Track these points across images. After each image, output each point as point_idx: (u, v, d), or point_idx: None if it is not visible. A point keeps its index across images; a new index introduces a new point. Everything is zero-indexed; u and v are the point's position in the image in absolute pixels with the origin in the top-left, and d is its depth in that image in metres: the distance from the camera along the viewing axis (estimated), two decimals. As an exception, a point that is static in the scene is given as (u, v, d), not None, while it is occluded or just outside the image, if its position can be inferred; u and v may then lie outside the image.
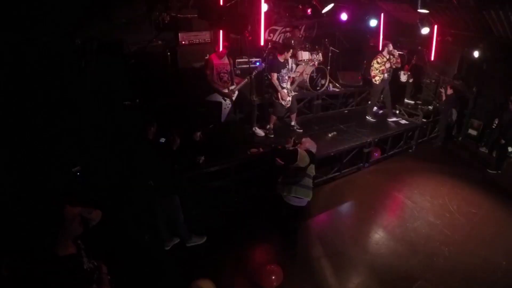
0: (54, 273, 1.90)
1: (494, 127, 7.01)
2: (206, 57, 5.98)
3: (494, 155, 7.00)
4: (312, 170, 4.44)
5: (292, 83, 6.16)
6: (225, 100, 5.57)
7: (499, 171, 6.63)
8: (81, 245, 2.12)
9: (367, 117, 7.36)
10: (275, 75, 5.80)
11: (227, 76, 5.58)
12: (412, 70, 8.08)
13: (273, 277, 3.79)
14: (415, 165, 6.82)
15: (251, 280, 3.87)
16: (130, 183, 3.81)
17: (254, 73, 5.66)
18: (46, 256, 1.94)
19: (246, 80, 5.59)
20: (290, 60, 7.15)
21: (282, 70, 5.87)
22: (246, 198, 5.11)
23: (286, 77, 6.00)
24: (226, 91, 5.52)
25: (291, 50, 5.99)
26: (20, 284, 1.95)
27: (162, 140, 3.76)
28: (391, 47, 6.83)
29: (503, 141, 6.53)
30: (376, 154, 6.69)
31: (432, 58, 7.76)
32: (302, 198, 4.35)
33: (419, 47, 8.08)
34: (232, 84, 5.61)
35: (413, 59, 8.01)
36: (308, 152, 4.45)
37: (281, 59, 5.84)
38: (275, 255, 4.29)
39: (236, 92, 5.65)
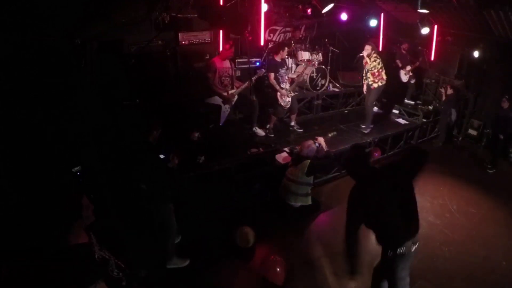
0: (64, 262, 1.91)
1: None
2: (207, 57, 6.00)
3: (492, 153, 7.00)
4: (296, 173, 4.75)
5: (291, 84, 6.17)
6: (224, 104, 5.57)
7: (495, 170, 6.65)
8: (92, 235, 2.13)
9: (361, 125, 6.79)
10: (272, 75, 5.82)
11: (228, 79, 5.58)
12: (415, 71, 8.09)
13: (278, 269, 3.82)
14: (415, 165, 6.80)
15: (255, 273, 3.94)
16: (127, 186, 3.79)
17: (254, 77, 5.66)
18: (56, 246, 1.95)
19: (246, 84, 5.59)
20: (289, 60, 7.20)
21: (280, 69, 5.87)
22: (246, 198, 5.10)
23: (286, 77, 6.01)
24: (225, 94, 5.51)
25: (286, 49, 6.01)
26: (28, 280, 1.96)
27: (161, 156, 3.72)
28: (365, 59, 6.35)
29: (501, 137, 6.54)
30: (376, 154, 6.68)
31: (432, 58, 7.77)
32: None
33: (419, 47, 8.09)
34: (232, 88, 5.62)
35: (418, 61, 8.01)
36: (296, 155, 4.92)
37: (277, 58, 5.85)
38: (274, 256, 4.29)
39: (236, 96, 5.65)
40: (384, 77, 6.40)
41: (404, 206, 2.90)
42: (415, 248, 3.00)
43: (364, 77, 6.63)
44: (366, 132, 6.65)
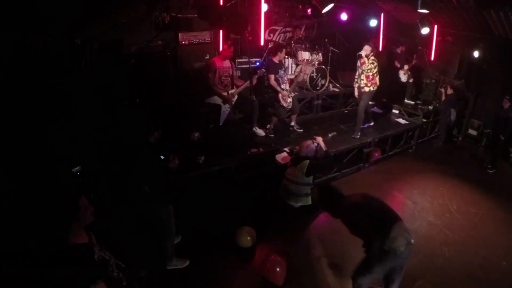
0: (64, 262, 1.91)
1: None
2: (207, 57, 6.01)
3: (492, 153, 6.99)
4: (295, 174, 4.74)
5: (290, 84, 6.17)
6: (224, 104, 5.57)
7: (495, 170, 6.65)
8: (93, 235, 2.13)
9: (353, 136, 6.43)
10: (272, 77, 5.83)
11: (228, 79, 5.59)
12: (412, 70, 8.09)
13: (278, 269, 3.83)
14: (415, 165, 6.81)
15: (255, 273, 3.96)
16: (127, 187, 3.78)
17: (255, 77, 5.67)
18: (56, 246, 1.96)
19: (246, 84, 5.60)
20: (289, 60, 7.20)
21: (279, 71, 5.87)
22: (246, 198, 5.10)
23: (285, 78, 6.01)
24: (225, 94, 5.52)
25: (284, 50, 5.98)
26: (28, 280, 1.96)
27: (161, 157, 3.72)
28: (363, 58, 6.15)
29: (502, 138, 6.55)
30: (376, 154, 6.69)
31: (432, 58, 7.77)
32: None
33: (419, 47, 8.09)
34: (233, 88, 5.62)
35: (413, 59, 8.01)
36: (296, 155, 4.92)
37: (275, 60, 5.85)
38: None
39: (236, 96, 5.65)
40: (378, 82, 6.22)
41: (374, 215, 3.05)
42: (404, 250, 2.93)
43: (357, 79, 6.38)
44: (356, 137, 6.38)
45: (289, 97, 5.99)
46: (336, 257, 4.28)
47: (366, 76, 6.17)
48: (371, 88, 6.22)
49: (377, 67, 6.16)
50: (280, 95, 5.87)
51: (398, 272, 3.10)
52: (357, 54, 6.33)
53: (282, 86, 5.90)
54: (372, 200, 3.20)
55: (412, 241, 2.98)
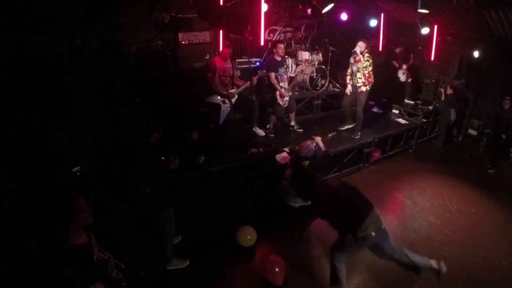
0: (62, 261, 1.92)
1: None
2: (207, 57, 6.01)
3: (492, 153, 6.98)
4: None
5: (289, 83, 6.16)
6: (224, 103, 5.57)
7: (495, 170, 6.64)
8: (92, 235, 2.14)
9: (353, 136, 6.37)
10: (273, 75, 5.82)
11: (228, 79, 5.59)
12: (411, 70, 8.10)
13: (277, 269, 3.84)
14: (415, 165, 6.81)
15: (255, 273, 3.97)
16: (127, 187, 3.78)
17: (256, 77, 5.67)
18: (56, 246, 1.97)
19: (246, 84, 5.60)
20: (289, 60, 7.20)
21: (280, 69, 5.86)
22: (246, 198, 5.10)
23: (285, 76, 6.00)
24: (226, 93, 5.52)
25: (280, 45, 5.87)
26: (27, 280, 1.97)
27: (162, 158, 3.71)
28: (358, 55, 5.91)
29: (503, 136, 6.53)
30: (376, 154, 6.69)
31: (432, 58, 7.77)
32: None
33: (419, 47, 8.09)
34: (233, 88, 5.62)
35: (411, 58, 8.01)
36: (295, 156, 4.88)
37: (276, 57, 5.84)
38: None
39: (236, 96, 5.65)
40: (373, 80, 6.06)
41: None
42: (374, 236, 3.18)
43: (350, 77, 6.15)
44: (356, 137, 6.31)
45: (287, 96, 5.97)
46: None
47: (363, 74, 5.97)
48: (368, 88, 6.07)
49: (372, 64, 5.98)
50: (277, 92, 5.86)
51: (379, 250, 3.42)
52: (352, 50, 6.10)
53: (281, 84, 5.89)
54: (348, 187, 3.33)
55: (383, 227, 3.24)
